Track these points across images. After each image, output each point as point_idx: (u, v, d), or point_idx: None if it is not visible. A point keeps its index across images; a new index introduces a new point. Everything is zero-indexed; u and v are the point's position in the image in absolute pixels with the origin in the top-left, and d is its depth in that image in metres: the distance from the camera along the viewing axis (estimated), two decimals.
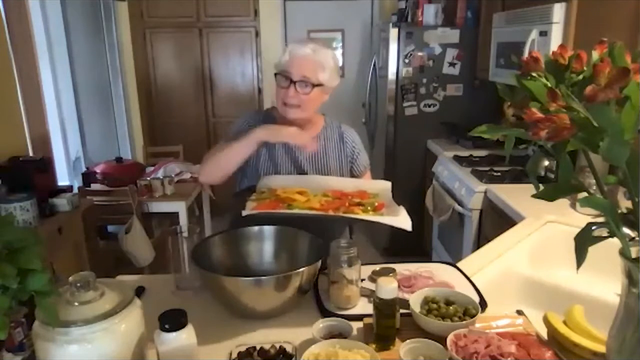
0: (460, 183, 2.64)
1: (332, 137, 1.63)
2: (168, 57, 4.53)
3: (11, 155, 2.55)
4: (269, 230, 1.36)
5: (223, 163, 1.47)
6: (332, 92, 1.56)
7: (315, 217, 1.26)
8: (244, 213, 1.23)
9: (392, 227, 1.20)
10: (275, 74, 1.50)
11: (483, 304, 1.16)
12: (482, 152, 3.04)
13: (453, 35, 3.45)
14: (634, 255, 0.73)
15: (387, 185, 1.50)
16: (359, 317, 1.11)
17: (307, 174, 1.56)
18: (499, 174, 2.54)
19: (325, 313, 1.16)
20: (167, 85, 4.59)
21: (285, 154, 1.57)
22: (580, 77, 0.70)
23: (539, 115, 0.67)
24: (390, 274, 1.32)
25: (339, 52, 4.63)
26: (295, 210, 1.26)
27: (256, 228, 1.36)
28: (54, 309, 0.79)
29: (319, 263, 1.18)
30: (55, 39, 3.38)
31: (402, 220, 1.22)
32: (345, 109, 4.68)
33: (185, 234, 1.30)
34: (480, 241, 2.43)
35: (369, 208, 1.31)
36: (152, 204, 3.16)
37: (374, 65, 3.93)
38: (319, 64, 1.47)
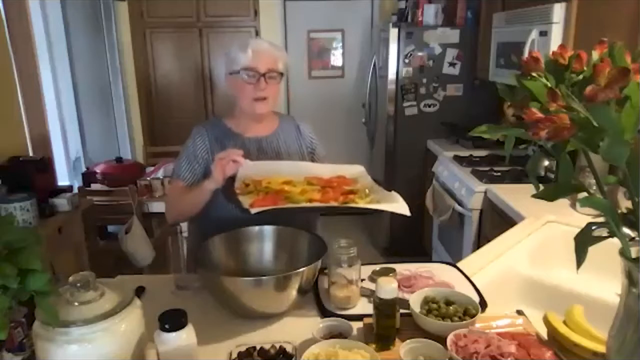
0: (460, 183, 2.64)
1: (289, 130, 1.65)
2: (168, 57, 4.53)
3: (11, 155, 2.54)
4: (269, 230, 1.36)
5: (186, 212, 1.52)
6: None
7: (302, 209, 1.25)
8: (253, 211, 1.18)
9: (391, 214, 1.19)
10: (235, 72, 1.48)
11: (483, 304, 1.16)
12: (482, 152, 3.03)
13: (453, 35, 3.45)
14: (634, 255, 0.73)
15: (361, 168, 1.51)
16: (359, 317, 1.11)
17: None
18: (499, 174, 2.54)
19: (325, 313, 1.16)
20: (167, 85, 4.59)
21: (253, 151, 1.54)
22: (580, 77, 0.70)
23: (539, 115, 0.67)
24: (390, 274, 1.32)
25: (339, 52, 4.63)
26: (301, 204, 1.25)
27: (256, 228, 1.36)
28: (54, 309, 0.79)
29: (319, 263, 1.18)
30: (55, 39, 3.37)
31: (401, 206, 1.23)
32: (345, 109, 4.69)
33: (185, 234, 1.30)
34: (480, 241, 2.43)
35: (363, 195, 1.31)
36: (152, 204, 3.16)
37: (374, 65, 3.93)
38: (279, 55, 1.52)
